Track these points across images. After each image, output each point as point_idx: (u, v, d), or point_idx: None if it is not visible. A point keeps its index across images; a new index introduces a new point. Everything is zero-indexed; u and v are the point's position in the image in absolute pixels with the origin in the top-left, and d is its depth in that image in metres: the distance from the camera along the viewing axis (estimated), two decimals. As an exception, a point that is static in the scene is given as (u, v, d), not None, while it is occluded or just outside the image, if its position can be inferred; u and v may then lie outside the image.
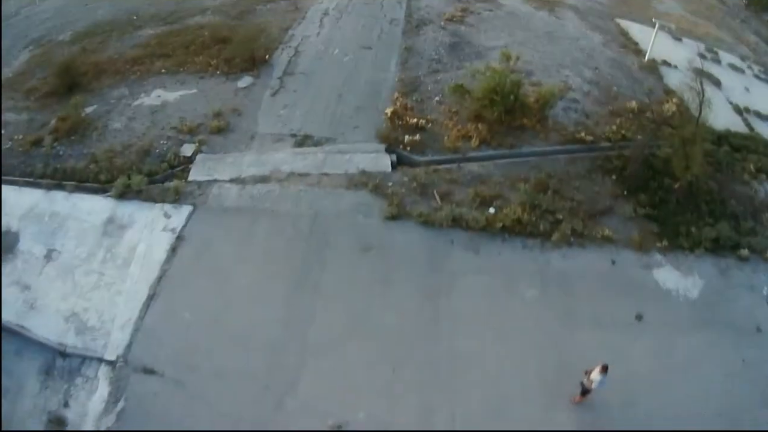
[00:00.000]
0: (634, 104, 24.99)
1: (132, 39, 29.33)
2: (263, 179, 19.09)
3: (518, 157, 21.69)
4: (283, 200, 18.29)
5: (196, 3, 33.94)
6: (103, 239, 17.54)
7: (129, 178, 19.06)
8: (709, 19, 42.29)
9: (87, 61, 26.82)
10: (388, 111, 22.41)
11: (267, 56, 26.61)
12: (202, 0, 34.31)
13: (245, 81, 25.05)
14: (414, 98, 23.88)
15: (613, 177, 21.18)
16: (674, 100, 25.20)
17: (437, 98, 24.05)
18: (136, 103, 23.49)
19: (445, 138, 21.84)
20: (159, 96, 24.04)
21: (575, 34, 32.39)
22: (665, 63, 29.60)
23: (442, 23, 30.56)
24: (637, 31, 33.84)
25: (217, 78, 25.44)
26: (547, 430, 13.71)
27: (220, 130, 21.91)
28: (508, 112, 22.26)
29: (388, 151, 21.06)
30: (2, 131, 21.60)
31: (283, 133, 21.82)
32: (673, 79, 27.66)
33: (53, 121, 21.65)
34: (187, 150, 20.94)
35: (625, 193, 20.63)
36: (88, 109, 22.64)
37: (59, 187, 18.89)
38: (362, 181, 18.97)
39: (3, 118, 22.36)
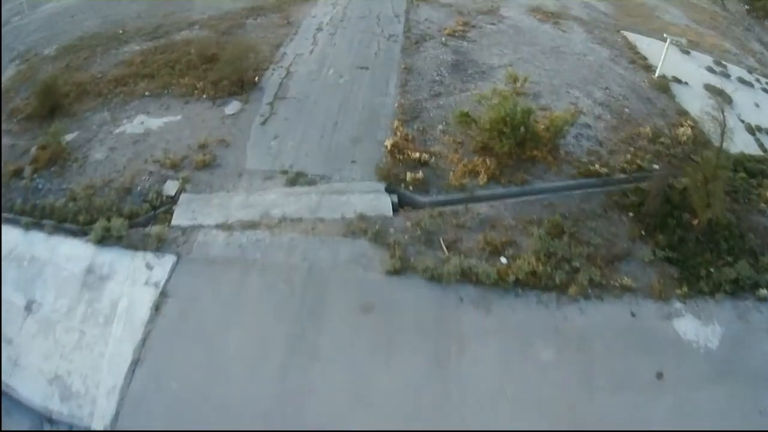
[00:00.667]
0: (648, 129, 23.81)
1: (117, 55, 28.15)
2: (252, 225, 17.74)
3: (530, 195, 20.31)
4: (275, 250, 17.01)
5: (184, 16, 32.71)
6: (83, 291, 16.19)
7: (109, 221, 17.68)
8: (714, 28, 41.60)
9: (70, 80, 25.54)
10: (388, 143, 21.08)
11: (256, 78, 25.24)
12: (190, 13, 33.15)
13: (233, 107, 23.65)
14: (415, 127, 22.51)
15: (630, 214, 19.96)
16: (688, 122, 24.41)
17: (441, 127, 22.71)
18: (118, 130, 22.12)
19: (451, 174, 20.49)
20: (142, 123, 22.59)
21: (582, 48, 31.30)
22: (676, 80, 28.45)
23: (443, 39, 29.33)
24: (645, 44, 32.82)
25: (203, 102, 23.98)
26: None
27: (205, 165, 20.42)
28: (519, 143, 21.10)
29: (389, 190, 19.69)
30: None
31: (273, 169, 20.31)
32: (686, 97, 26.90)
33: (33, 149, 20.68)
34: (171, 188, 19.59)
35: (643, 233, 19.47)
36: (69, 137, 21.40)
37: (38, 226, 17.85)
38: (361, 227, 17.65)
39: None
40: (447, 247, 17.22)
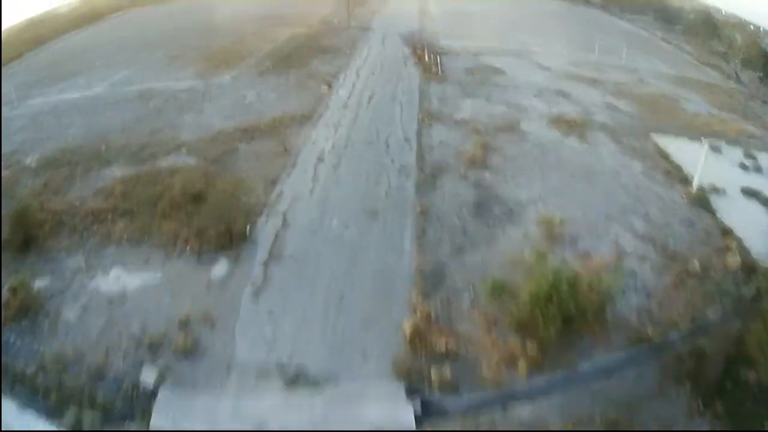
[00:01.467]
0: (696, 264, 21.06)
1: (97, 179, 25.52)
2: (244, 446, 13.95)
3: (578, 382, 16.89)
4: None
5: (171, 135, 30.02)
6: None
7: (80, 409, 15.49)
8: (734, 110, 40.28)
9: (47, 205, 23.35)
10: (407, 327, 17.54)
11: (248, 228, 21.93)
12: (179, 132, 30.51)
13: (220, 268, 20.21)
14: (439, 299, 19.02)
15: (687, 386, 16.82)
16: (734, 244, 22.32)
17: (469, 296, 19.33)
18: (93, 285, 19.32)
19: (484, 364, 16.99)
20: (118, 278, 19.68)
21: (613, 164, 28.42)
22: (714, 189, 26.18)
23: (462, 170, 26.32)
24: (676, 149, 30.60)
25: (187, 259, 20.64)
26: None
27: (187, 352, 16.98)
28: (565, 321, 17.65)
29: (410, 392, 16.13)
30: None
31: (268, 361, 16.69)
32: (726, 210, 24.87)
33: (5, 290, 18.75)
34: (148, 378, 16.31)
35: (702, 405, 16.37)
36: (41, 283, 19.20)
37: (11, 394, 15.93)
38: (378, 455, 13.78)
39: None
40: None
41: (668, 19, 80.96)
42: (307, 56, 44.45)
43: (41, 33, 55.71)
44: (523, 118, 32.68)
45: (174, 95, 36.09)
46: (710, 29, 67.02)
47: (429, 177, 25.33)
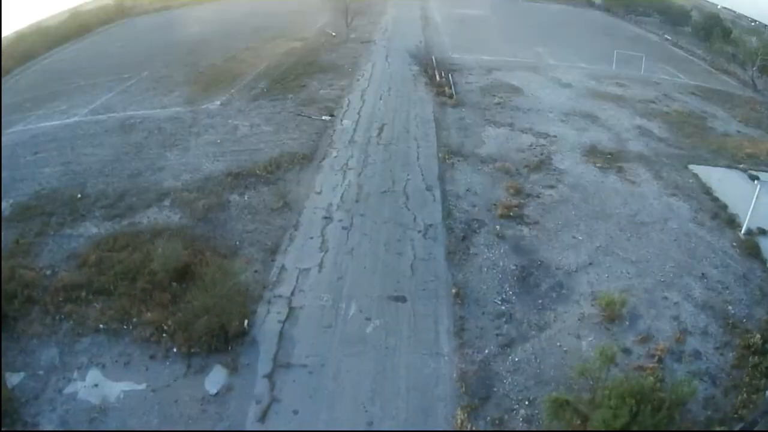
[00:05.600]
0: (756, 336, 17.54)
1: (70, 240, 20.96)
2: None
3: None
4: None
5: (153, 181, 25.10)
6: None
7: None
8: (759, 124, 37.75)
9: (17, 273, 18.78)
10: (454, 466, 12.64)
11: (246, 322, 17.02)
12: (162, 176, 25.55)
13: (216, 378, 15.52)
14: (488, 418, 14.41)
15: None
16: None
17: (524, 411, 14.55)
18: (69, 390, 15.22)
19: None
20: (96, 385, 15.30)
21: (660, 208, 24.54)
22: (761, 231, 23.13)
23: (497, 227, 21.63)
24: (717, 180, 27.34)
25: (175, 363, 15.93)
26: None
27: None
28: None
29: None
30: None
31: None
32: None
33: None
34: None
35: None
36: (16, 379, 15.51)
37: None
38: None
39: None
40: None
41: (674, 20, 76.11)
42: (304, 75, 39.29)
43: (29, 48, 51.63)
44: (554, 152, 27.82)
45: (158, 126, 31.11)
46: (719, 31, 62.28)
47: (460, 240, 20.53)
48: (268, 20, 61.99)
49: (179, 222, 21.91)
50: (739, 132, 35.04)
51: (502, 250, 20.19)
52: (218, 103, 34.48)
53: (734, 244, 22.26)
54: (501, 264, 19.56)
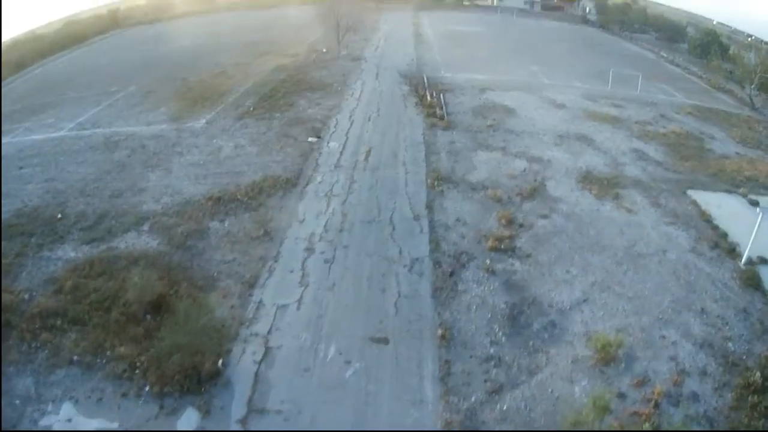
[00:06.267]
0: (756, 375, 16.76)
1: (48, 263, 20.26)
2: None
3: None
4: None
5: (133, 203, 24.25)
6: None
7: None
8: (758, 144, 37.24)
9: None
10: None
11: (220, 362, 16.04)
12: (142, 198, 24.68)
13: (188, 423, 14.49)
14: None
15: None
16: None
17: None
18: (44, 421, 14.65)
19: None
20: (70, 420, 14.65)
21: (658, 238, 23.50)
22: (763, 261, 22.30)
23: (488, 261, 20.51)
24: (716, 208, 26.39)
25: (146, 403, 15.03)
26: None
27: None
28: None
29: None
30: None
31: None
32: None
33: None
34: None
35: None
36: None
37: None
38: None
39: None
40: None
41: (670, 37, 75.79)
42: (292, 93, 38.31)
43: (23, 57, 51.91)
44: (548, 177, 26.81)
45: (141, 144, 30.29)
46: (716, 48, 61.82)
47: (447, 275, 19.39)
48: (260, 34, 61.40)
49: (157, 249, 20.98)
50: (737, 153, 34.41)
51: (492, 287, 19.09)
52: (203, 121, 33.53)
53: (734, 274, 21.43)
54: (491, 302, 18.47)
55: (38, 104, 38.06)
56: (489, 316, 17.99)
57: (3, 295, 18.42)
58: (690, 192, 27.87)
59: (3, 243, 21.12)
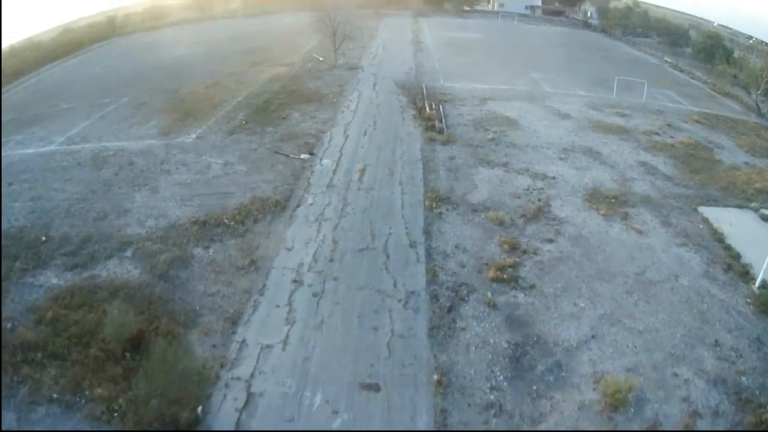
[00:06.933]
0: None
1: (31, 290, 19.32)
2: None
3: None
4: None
5: (117, 226, 23.14)
6: None
7: None
8: (767, 154, 35.77)
9: None
10: None
11: (200, 408, 14.80)
12: (126, 221, 23.53)
13: None
14: None
15: None
16: None
17: None
18: None
19: None
20: None
21: (669, 262, 22.02)
22: None
23: (489, 293, 18.93)
24: (728, 226, 24.95)
25: None
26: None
27: None
28: None
29: None
30: None
31: None
32: None
33: None
34: None
35: None
36: None
37: None
38: None
39: None
40: None
41: (673, 41, 74.10)
42: (286, 106, 36.82)
43: (20, 64, 51.64)
44: (553, 197, 25.19)
45: (129, 161, 29.11)
46: (721, 52, 60.15)
47: (445, 311, 17.80)
48: (257, 42, 60.23)
49: (138, 278, 19.73)
50: (746, 164, 33.12)
51: (493, 324, 17.50)
52: (194, 136, 32.13)
53: (748, 300, 20.13)
54: (492, 341, 16.90)
55: (31, 115, 37.42)
56: (490, 357, 16.41)
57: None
58: (701, 209, 26.43)
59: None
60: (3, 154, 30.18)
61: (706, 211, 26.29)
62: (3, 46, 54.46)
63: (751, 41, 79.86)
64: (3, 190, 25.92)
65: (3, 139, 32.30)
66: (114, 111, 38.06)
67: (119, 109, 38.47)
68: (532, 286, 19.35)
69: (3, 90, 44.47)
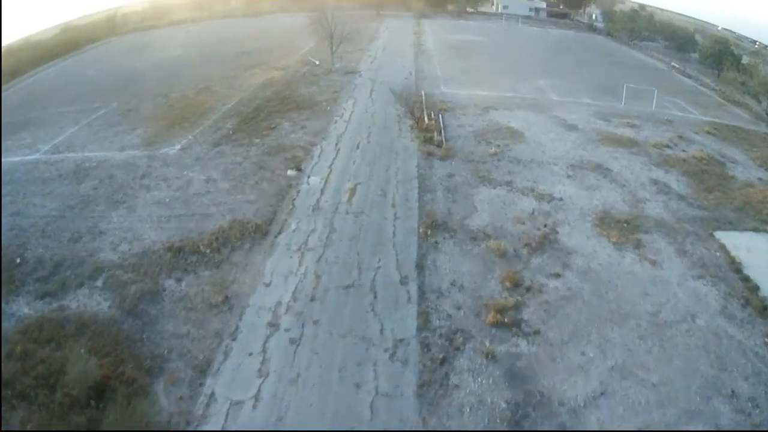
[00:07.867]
0: None
1: (4, 318, 17.90)
2: None
3: None
4: None
5: (91, 250, 21.45)
6: None
7: None
8: None
9: None
10: None
11: None
12: (100, 244, 21.79)
13: None
14: None
15: None
16: None
17: None
18: None
19: None
20: None
21: (685, 299, 19.90)
22: None
23: (488, 342, 16.66)
24: (744, 251, 23.20)
25: None
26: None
27: None
28: None
29: None
30: None
31: None
32: None
33: None
34: None
35: None
36: None
37: None
38: None
39: None
40: None
41: (680, 46, 71.47)
42: (277, 114, 34.55)
43: (16, 64, 50.65)
44: (560, 222, 22.94)
45: (110, 174, 27.34)
46: (729, 59, 57.72)
47: (438, 364, 15.49)
48: (254, 44, 58.26)
49: (107, 313, 18.01)
50: (760, 179, 31.05)
51: (491, 379, 15.22)
52: (178, 147, 29.97)
53: (766, 339, 18.15)
54: (489, 401, 14.64)
55: (21, 120, 36.20)
56: (486, 421, 14.21)
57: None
58: (717, 234, 24.31)
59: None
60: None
61: (723, 237, 24.22)
62: (3, 46, 53.28)
63: (755, 46, 77.55)
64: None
65: (-7, 146, 30.38)
66: (102, 117, 36.47)
67: (107, 115, 36.83)
68: (536, 332, 17.04)
69: (2, 90, 43.35)
